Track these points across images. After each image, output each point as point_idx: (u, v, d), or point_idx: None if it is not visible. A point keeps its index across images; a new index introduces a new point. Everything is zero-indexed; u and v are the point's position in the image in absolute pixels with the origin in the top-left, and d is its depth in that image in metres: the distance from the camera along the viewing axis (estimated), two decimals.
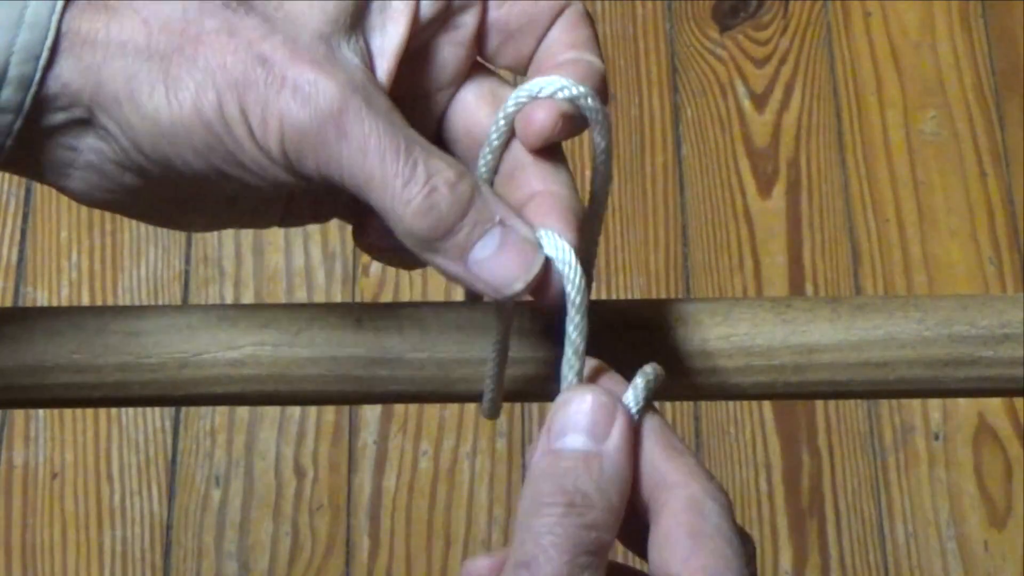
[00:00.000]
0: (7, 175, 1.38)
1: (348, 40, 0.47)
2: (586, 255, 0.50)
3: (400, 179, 0.45)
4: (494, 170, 0.49)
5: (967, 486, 1.28)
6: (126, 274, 1.35)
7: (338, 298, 1.35)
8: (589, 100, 0.47)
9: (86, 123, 0.47)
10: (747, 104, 1.44)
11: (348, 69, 0.46)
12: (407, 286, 1.35)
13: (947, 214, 1.39)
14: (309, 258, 1.36)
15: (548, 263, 0.46)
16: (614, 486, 0.45)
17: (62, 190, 0.49)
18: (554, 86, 0.47)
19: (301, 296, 1.35)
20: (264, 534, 1.25)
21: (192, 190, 0.49)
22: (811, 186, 1.40)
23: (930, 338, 0.53)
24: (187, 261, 1.36)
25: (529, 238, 0.46)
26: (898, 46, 1.47)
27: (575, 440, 0.45)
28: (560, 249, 0.46)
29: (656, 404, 0.49)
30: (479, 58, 0.51)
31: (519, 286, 0.46)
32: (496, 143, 0.49)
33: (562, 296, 0.47)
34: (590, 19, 0.50)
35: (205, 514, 1.26)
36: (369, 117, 0.45)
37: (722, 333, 0.53)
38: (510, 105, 0.48)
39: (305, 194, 0.52)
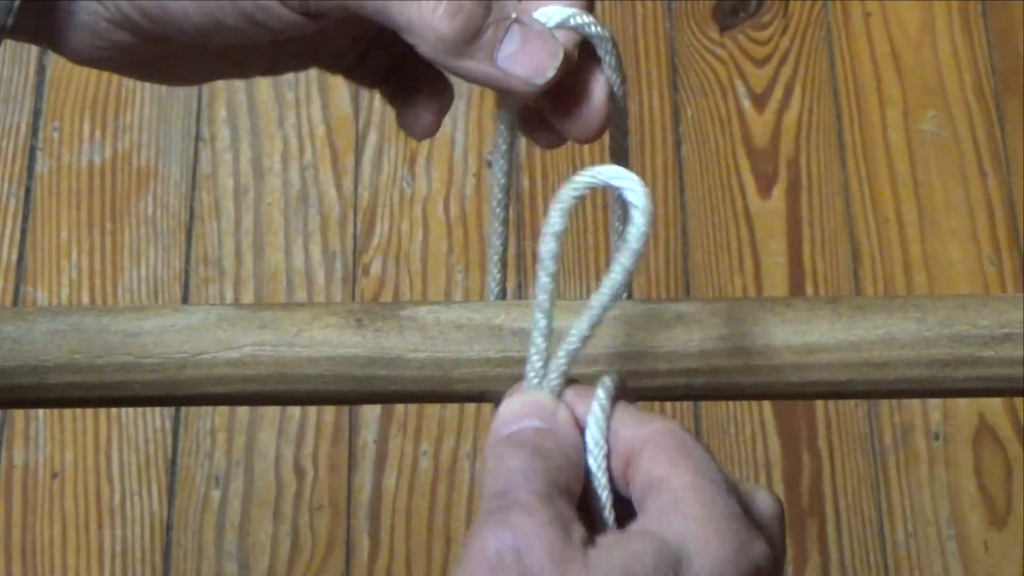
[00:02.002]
0: (7, 177, 1.39)
1: None
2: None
3: None
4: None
5: (967, 486, 1.28)
6: (126, 274, 1.35)
7: (338, 298, 1.35)
8: (595, 28, 0.49)
9: None
10: (747, 104, 1.44)
11: None
12: (407, 286, 1.35)
13: (947, 214, 1.39)
14: (309, 258, 1.36)
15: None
16: (571, 451, 0.46)
17: (59, 51, 0.50)
18: (561, 15, 0.48)
19: (301, 296, 1.35)
20: (264, 534, 1.25)
21: (183, 46, 0.49)
22: (811, 186, 1.40)
23: (930, 338, 0.53)
24: (187, 261, 1.36)
25: (546, 28, 0.48)
26: (898, 46, 1.47)
27: (527, 422, 0.46)
28: (581, 19, 0.48)
29: (657, 405, 0.49)
30: None
31: (551, 73, 0.47)
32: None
33: (572, 59, 0.48)
34: None
35: (205, 514, 1.26)
36: None
37: (723, 333, 0.53)
38: None
39: (292, 40, 0.53)
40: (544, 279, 0.48)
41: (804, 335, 0.53)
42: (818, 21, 1.48)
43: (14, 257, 1.35)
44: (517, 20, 0.47)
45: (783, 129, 1.43)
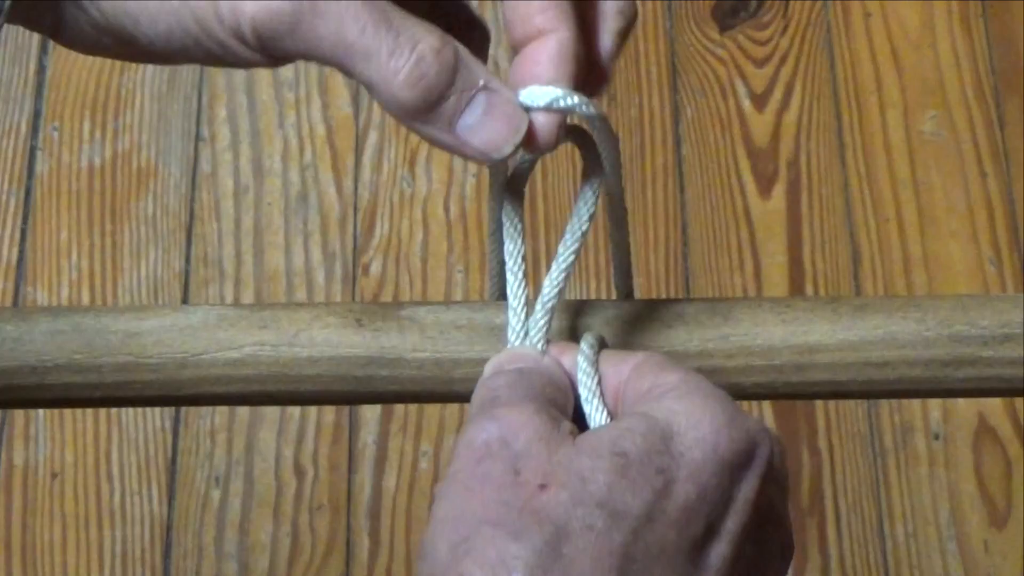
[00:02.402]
0: (7, 177, 1.39)
1: None
2: (621, 261, 0.52)
3: (384, 49, 0.44)
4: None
5: (967, 486, 1.28)
6: (126, 274, 1.35)
7: (338, 298, 1.35)
8: (587, 108, 0.47)
9: None
10: (747, 104, 1.44)
11: None
12: (407, 286, 1.35)
13: (947, 214, 1.39)
14: (309, 258, 1.36)
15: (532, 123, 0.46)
16: (558, 379, 0.46)
17: (56, 42, 0.50)
18: (548, 96, 0.46)
19: (301, 296, 1.35)
20: (264, 534, 1.25)
21: (166, 54, 0.49)
22: (811, 186, 1.40)
23: (930, 338, 0.53)
24: (187, 261, 1.36)
25: (513, 100, 0.46)
26: (898, 46, 1.47)
27: (512, 366, 0.47)
28: (550, 97, 0.46)
29: None
30: None
31: (508, 149, 0.46)
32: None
33: (556, 140, 0.47)
34: None
35: (205, 514, 1.26)
36: None
37: (722, 333, 0.53)
38: None
39: None
40: (508, 244, 0.49)
41: (804, 335, 0.53)
42: (818, 21, 1.48)
43: (14, 257, 1.35)
44: (485, 88, 0.45)
45: (783, 129, 1.43)
